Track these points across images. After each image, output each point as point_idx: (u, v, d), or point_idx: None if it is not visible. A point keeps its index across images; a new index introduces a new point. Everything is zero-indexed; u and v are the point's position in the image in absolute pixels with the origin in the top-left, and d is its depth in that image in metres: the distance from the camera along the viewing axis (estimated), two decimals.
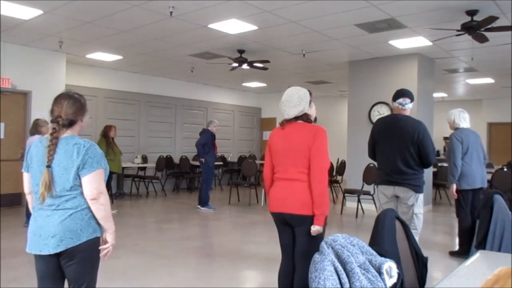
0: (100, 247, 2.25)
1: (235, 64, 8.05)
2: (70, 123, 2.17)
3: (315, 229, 2.62)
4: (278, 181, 2.81)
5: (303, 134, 2.69)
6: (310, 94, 2.85)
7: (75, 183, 2.11)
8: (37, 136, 5.78)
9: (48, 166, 2.09)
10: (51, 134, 2.13)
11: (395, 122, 3.84)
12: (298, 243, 2.75)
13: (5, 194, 7.61)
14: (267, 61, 8.09)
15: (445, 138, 14.71)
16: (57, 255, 2.12)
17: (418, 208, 3.77)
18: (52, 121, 2.17)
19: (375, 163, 4.19)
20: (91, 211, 2.16)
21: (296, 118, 2.76)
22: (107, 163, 2.26)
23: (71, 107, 2.18)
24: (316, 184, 2.62)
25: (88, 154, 2.12)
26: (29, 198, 2.27)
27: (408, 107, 3.84)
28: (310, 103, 2.81)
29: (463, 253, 4.82)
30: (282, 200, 2.74)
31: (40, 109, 7.56)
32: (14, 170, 7.72)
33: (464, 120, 4.89)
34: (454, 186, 4.73)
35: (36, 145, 2.20)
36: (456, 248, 5.11)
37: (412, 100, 3.84)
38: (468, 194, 4.80)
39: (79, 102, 2.23)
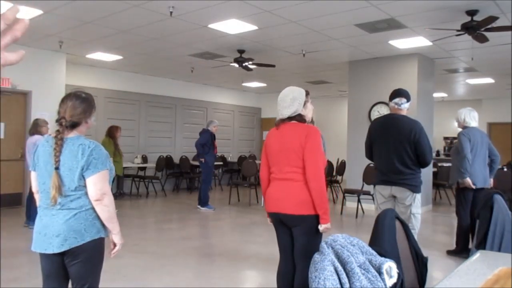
0: (112, 252, 2.28)
1: (235, 64, 8.05)
2: (73, 125, 2.17)
3: (322, 228, 2.65)
4: (273, 181, 2.83)
5: (296, 134, 2.69)
6: (307, 94, 2.84)
7: (80, 184, 2.11)
8: (36, 136, 5.79)
9: (57, 168, 2.09)
10: (56, 136, 2.13)
11: (391, 122, 3.84)
12: (297, 243, 2.75)
13: (5, 194, 7.61)
14: (273, 65, 8.09)
15: (445, 138, 14.73)
16: (61, 254, 2.13)
17: (416, 208, 3.76)
18: (56, 121, 2.18)
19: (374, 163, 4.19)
20: (95, 212, 2.16)
21: (290, 118, 2.77)
22: (113, 165, 2.26)
23: (75, 108, 2.17)
24: (313, 184, 2.62)
25: (93, 155, 2.12)
26: (37, 197, 2.27)
27: (405, 107, 3.84)
28: (305, 103, 2.81)
29: (459, 251, 4.86)
30: (278, 200, 2.75)
31: (40, 109, 7.56)
32: (14, 170, 7.73)
33: (474, 119, 4.93)
34: (469, 180, 4.72)
35: (43, 144, 2.20)
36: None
37: (408, 100, 3.84)
38: (469, 193, 4.82)
39: (85, 103, 2.21)
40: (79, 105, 2.19)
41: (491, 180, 5.00)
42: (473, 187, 4.76)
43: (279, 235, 2.92)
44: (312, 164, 2.63)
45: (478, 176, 4.77)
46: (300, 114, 2.78)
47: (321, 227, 2.66)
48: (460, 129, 5.00)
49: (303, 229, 2.69)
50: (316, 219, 2.67)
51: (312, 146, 2.65)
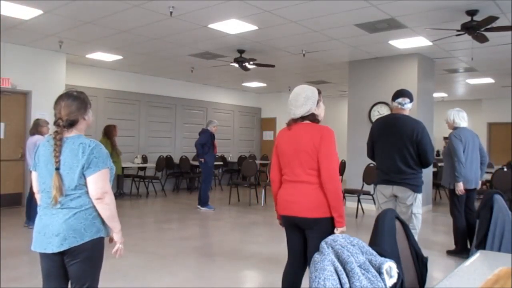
0: (114, 251, 2.28)
1: (235, 64, 8.05)
2: (71, 124, 2.17)
3: (338, 231, 2.59)
4: (286, 183, 2.74)
5: (310, 135, 2.61)
6: (319, 93, 2.76)
7: (80, 183, 2.12)
8: (36, 136, 5.79)
9: (57, 169, 2.09)
10: (54, 137, 2.14)
11: (394, 122, 3.85)
12: (311, 245, 2.68)
13: (5, 194, 7.61)
14: (272, 66, 8.09)
15: (445, 138, 14.72)
16: (61, 254, 2.13)
17: (417, 208, 3.77)
18: (54, 123, 2.19)
19: (375, 163, 4.19)
20: (95, 211, 2.16)
21: (303, 118, 2.68)
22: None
23: (69, 107, 2.17)
24: (329, 187, 2.56)
25: (94, 153, 2.12)
26: (37, 197, 2.27)
27: (407, 107, 3.85)
28: (318, 102, 2.71)
29: (459, 252, 4.87)
30: (292, 203, 2.67)
31: (40, 109, 7.56)
32: (14, 170, 7.73)
33: (463, 119, 4.92)
34: (461, 184, 4.72)
35: (44, 144, 2.21)
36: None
37: (411, 100, 3.86)
38: (463, 194, 4.83)
39: (78, 100, 2.21)
40: (72, 103, 2.19)
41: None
42: (462, 193, 4.78)
43: (289, 237, 2.85)
44: (328, 166, 2.56)
45: (471, 176, 4.78)
46: (313, 113, 2.69)
47: (337, 231, 2.59)
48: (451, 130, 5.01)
49: (318, 231, 2.61)
50: (330, 222, 2.61)
51: (327, 147, 2.58)
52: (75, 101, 2.19)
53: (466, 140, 4.77)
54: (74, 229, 2.10)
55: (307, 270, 2.79)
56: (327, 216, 2.61)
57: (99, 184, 2.12)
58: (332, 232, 2.60)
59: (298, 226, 2.73)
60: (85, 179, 2.12)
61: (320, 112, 2.77)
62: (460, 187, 4.74)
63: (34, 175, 2.26)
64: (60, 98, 2.21)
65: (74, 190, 2.11)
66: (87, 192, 2.14)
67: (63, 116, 2.15)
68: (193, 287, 3.87)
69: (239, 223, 7.15)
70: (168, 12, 5.60)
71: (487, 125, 13.68)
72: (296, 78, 10.75)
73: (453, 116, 4.95)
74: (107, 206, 2.17)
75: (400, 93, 3.88)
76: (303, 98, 2.66)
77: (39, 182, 2.19)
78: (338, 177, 2.62)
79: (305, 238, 2.74)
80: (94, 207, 2.15)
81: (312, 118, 2.69)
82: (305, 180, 2.63)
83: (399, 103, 3.84)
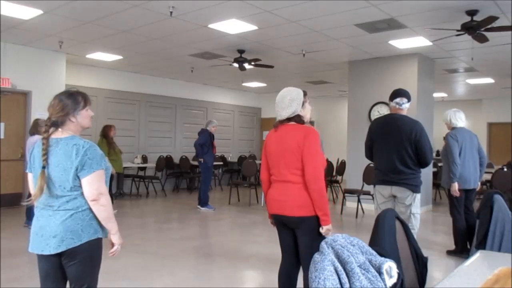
0: (110, 252, 2.28)
1: (236, 64, 8.05)
2: (54, 124, 2.15)
3: (324, 230, 2.62)
4: (274, 183, 2.81)
5: (294, 136, 2.67)
6: (305, 94, 2.82)
7: (75, 184, 2.11)
8: (37, 136, 5.78)
9: (43, 167, 2.09)
10: (43, 136, 2.14)
11: (392, 122, 3.84)
12: (301, 244, 2.74)
13: (5, 194, 7.61)
14: (271, 66, 8.09)
15: (445, 138, 14.73)
16: (59, 255, 2.12)
17: (416, 208, 3.77)
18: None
19: (373, 163, 4.19)
20: (92, 212, 2.15)
21: (289, 119, 2.74)
22: (110, 164, 2.26)
23: (54, 107, 2.17)
24: (313, 187, 2.60)
25: (87, 155, 2.11)
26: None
27: (405, 107, 3.85)
28: (303, 104, 2.77)
29: (459, 252, 4.88)
30: (280, 203, 2.74)
31: (40, 109, 7.55)
32: (14, 170, 7.73)
33: (460, 119, 4.92)
34: (456, 185, 4.72)
35: (39, 145, 2.20)
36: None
37: (409, 100, 3.86)
38: (461, 194, 4.83)
39: (66, 100, 2.17)
40: (58, 103, 2.17)
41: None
42: (457, 194, 4.76)
43: (281, 236, 2.91)
44: (311, 166, 2.61)
45: (469, 177, 4.77)
46: (299, 115, 2.75)
47: (322, 229, 2.62)
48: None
49: (306, 230, 2.68)
50: (317, 220, 2.66)
51: (311, 147, 2.62)
52: (61, 102, 2.16)
53: (463, 140, 4.76)
54: (72, 231, 2.09)
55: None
56: (313, 215, 2.65)
57: (94, 185, 2.11)
58: (319, 231, 2.64)
59: (287, 225, 2.78)
60: (80, 180, 2.11)
61: (306, 113, 2.83)
62: (455, 187, 4.74)
63: (30, 177, 2.25)
64: (54, 97, 2.21)
65: (70, 192, 2.10)
66: (83, 194, 2.13)
67: (52, 115, 2.16)
68: (193, 287, 3.87)
69: (239, 223, 7.15)
70: (168, 12, 5.60)
71: (487, 125, 13.67)
72: (296, 78, 10.75)
73: (450, 117, 4.96)
74: (103, 208, 2.15)
75: (398, 93, 3.88)
76: (288, 100, 2.73)
77: (34, 183, 2.18)
78: (322, 177, 2.66)
79: (295, 236, 2.79)
80: (91, 208, 2.15)
81: (297, 119, 2.75)
82: (290, 180, 2.68)
83: (397, 103, 3.84)
